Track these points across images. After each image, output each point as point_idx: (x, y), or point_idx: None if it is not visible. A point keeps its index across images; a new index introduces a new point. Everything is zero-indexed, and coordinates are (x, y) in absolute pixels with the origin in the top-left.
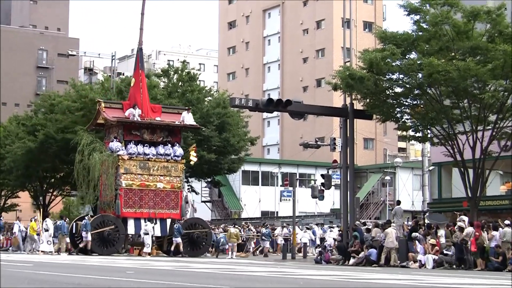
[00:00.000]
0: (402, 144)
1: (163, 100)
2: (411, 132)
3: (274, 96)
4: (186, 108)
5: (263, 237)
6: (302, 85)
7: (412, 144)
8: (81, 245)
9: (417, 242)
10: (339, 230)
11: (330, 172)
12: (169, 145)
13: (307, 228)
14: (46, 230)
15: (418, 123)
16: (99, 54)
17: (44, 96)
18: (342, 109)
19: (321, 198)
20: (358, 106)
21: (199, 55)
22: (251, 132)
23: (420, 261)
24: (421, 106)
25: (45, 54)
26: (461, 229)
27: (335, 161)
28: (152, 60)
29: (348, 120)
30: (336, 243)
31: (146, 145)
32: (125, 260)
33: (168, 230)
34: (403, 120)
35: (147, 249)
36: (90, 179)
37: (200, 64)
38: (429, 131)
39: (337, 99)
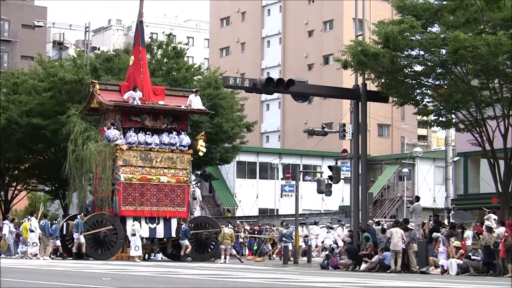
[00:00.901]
0: (422, 131)
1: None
2: (433, 117)
3: (275, 75)
4: (194, 90)
5: (284, 239)
6: (307, 62)
7: (434, 131)
8: (73, 249)
9: (439, 244)
10: (349, 231)
11: (339, 163)
12: (174, 133)
13: (329, 228)
14: (32, 231)
15: (441, 107)
16: (70, 26)
17: (6, 74)
18: (353, 90)
19: (328, 193)
20: (372, 86)
21: (187, 27)
22: (248, 116)
23: (442, 266)
24: (445, 87)
25: (7, 25)
26: (490, 230)
27: (344, 150)
28: (132, 32)
29: (360, 103)
30: (345, 245)
31: (147, 133)
32: (106, 265)
33: (173, 232)
34: (423, 103)
35: (135, 252)
36: (85, 172)
37: (188, 37)
38: (453, 115)
39: (348, 79)
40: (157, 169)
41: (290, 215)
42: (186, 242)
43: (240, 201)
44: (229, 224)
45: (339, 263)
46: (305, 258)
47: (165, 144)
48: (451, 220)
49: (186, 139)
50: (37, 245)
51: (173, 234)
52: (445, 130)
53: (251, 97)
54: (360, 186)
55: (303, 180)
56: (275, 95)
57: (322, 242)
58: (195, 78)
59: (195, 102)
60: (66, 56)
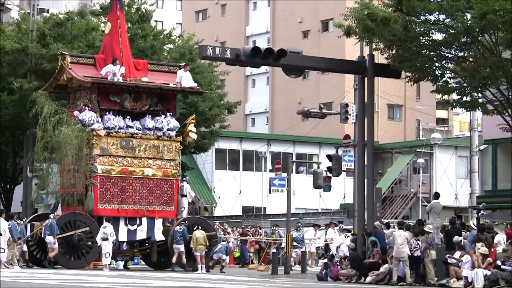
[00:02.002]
0: (442, 113)
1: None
2: (455, 96)
3: (262, 43)
4: (182, 64)
5: (295, 243)
6: (302, 28)
7: (457, 113)
8: (50, 255)
9: (461, 250)
10: (352, 234)
11: (340, 152)
12: (160, 115)
13: (347, 231)
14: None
15: (465, 84)
16: None
17: None
18: (358, 62)
19: (327, 188)
20: (381, 59)
21: None
22: (229, 95)
23: (466, 278)
24: (470, 59)
25: None
26: None
27: (347, 136)
28: None
29: (366, 78)
30: (347, 252)
31: (127, 116)
32: (60, 274)
33: (156, 234)
34: (444, 79)
35: (106, 260)
36: (58, 162)
37: None
38: (480, 94)
39: (351, 49)
40: (140, 159)
41: (280, 214)
42: (182, 247)
43: (219, 197)
44: (199, 227)
45: (340, 273)
46: (299, 267)
47: (149, 129)
48: (481, 221)
49: (173, 122)
50: (4, 251)
51: (157, 237)
52: (470, 112)
53: (233, 71)
54: (365, 180)
55: (297, 172)
56: (263, 68)
57: (338, 247)
58: (165, 47)
59: (186, 79)
60: (7, 19)
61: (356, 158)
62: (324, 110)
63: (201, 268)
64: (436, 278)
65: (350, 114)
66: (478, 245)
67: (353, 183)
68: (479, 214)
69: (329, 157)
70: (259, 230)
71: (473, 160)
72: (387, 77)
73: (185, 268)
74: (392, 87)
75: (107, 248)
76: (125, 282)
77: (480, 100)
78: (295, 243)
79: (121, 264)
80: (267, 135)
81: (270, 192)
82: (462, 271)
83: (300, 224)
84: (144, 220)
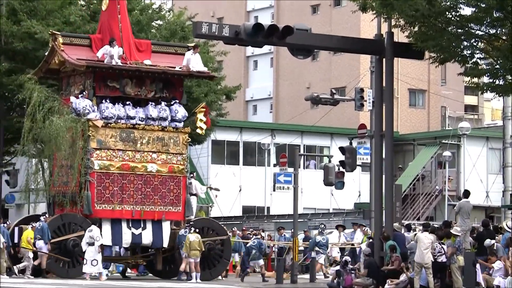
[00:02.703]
0: (471, 100)
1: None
2: (485, 80)
3: (265, 20)
4: (191, 46)
5: (317, 248)
6: (310, 3)
7: (488, 99)
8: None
9: (493, 255)
10: (368, 238)
11: (355, 144)
12: (163, 103)
13: (322, 229)
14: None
15: (497, 65)
16: None
17: None
18: (374, 41)
19: (340, 185)
20: (401, 37)
21: None
22: (228, 78)
23: (498, 287)
24: (503, 37)
25: None
26: None
27: (362, 126)
28: None
29: (384, 59)
30: (364, 258)
31: (128, 103)
32: (49, 285)
33: (165, 239)
34: (473, 60)
35: (91, 268)
36: (47, 157)
37: None
38: None
39: (367, 26)
40: (143, 153)
41: (286, 215)
42: None
43: (216, 196)
44: (192, 229)
45: (355, 282)
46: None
47: (153, 119)
48: None
49: (181, 111)
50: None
51: (165, 243)
52: (503, 97)
53: (232, 51)
54: (384, 176)
55: (305, 167)
56: (266, 48)
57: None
58: (153, 23)
59: (194, 61)
60: None
61: (373, 151)
62: (336, 96)
63: (196, 277)
64: (464, 287)
65: (365, 101)
66: None
67: (370, 179)
68: None
69: (342, 149)
70: (262, 233)
71: (506, 153)
72: (409, 58)
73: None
74: (414, 70)
75: (93, 254)
76: None
77: None
78: (317, 248)
79: (105, 272)
80: (271, 125)
81: (274, 190)
82: (494, 279)
83: (324, 226)
84: (148, 223)
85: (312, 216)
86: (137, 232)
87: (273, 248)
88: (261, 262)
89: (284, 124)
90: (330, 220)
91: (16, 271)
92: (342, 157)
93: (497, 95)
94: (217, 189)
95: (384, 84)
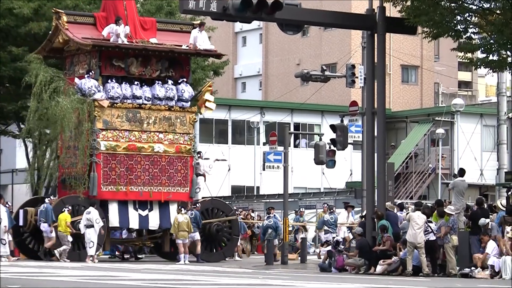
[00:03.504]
0: (464, 76)
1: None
2: (479, 55)
3: None
4: (196, 23)
5: (326, 227)
6: None
7: (482, 75)
8: (46, 245)
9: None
10: (360, 217)
11: (346, 121)
12: (170, 82)
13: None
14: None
15: (491, 40)
16: None
17: None
18: (366, 16)
19: (331, 164)
20: (393, 12)
21: None
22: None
23: (492, 266)
24: (497, 12)
25: None
26: None
27: (354, 103)
28: None
29: (376, 35)
30: (354, 239)
31: (136, 83)
32: (35, 267)
33: (172, 221)
34: (467, 35)
35: (90, 251)
36: (53, 138)
37: None
38: (509, 52)
39: (358, 1)
40: (149, 133)
41: (276, 195)
42: (197, 235)
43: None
44: (182, 209)
45: (346, 263)
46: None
47: (159, 99)
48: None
49: (188, 91)
50: (6, 242)
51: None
52: (497, 73)
53: (220, 26)
54: (376, 154)
55: (295, 145)
56: (255, 24)
57: None
58: None
59: (201, 40)
60: None
61: (365, 129)
62: (327, 73)
63: (184, 258)
64: (458, 268)
65: (357, 77)
66: (508, 228)
67: (361, 157)
68: (509, 193)
69: (333, 127)
70: (252, 214)
71: (501, 130)
72: (401, 34)
73: (197, 259)
74: (407, 45)
75: (91, 236)
76: (93, 275)
77: (509, 60)
78: (326, 228)
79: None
80: (260, 102)
81: (264, 169)
82: (487, 260)
83: (333, 206)
84: (155, 205)
85: (303, 196)
86: (144, 213)
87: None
88: (276, 242)
89: (273, 101)
90: (321, 200)
91: (57, 254)
92: (333, 135)
93: (491, 70)
94: (224, 160)
95: (376, 60)
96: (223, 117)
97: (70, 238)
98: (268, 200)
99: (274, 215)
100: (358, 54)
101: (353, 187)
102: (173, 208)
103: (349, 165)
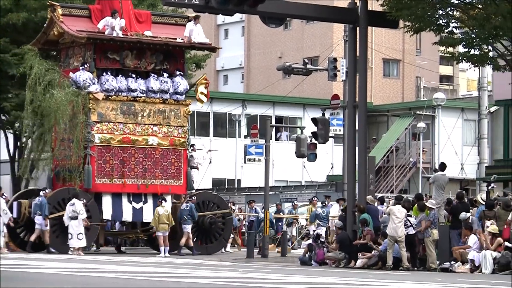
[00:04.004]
0: (446, 70)
1: None
2: (461, 49)
3: None
4: (191, 16)
5: (318, 221)
6: None
7: (463, 69)
8: (32, 238)
9: (468, 229)
10: (341, 210)
11: (328, 115)
12: (166, 75)
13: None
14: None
15: (473, 35)
16: None
17: None
18: (348, 10)
19: (312, 157)
20: (375, 5)
21: None
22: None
23: (472, 261)
24: (479, 6)
25: None
26: None
27: (335, 96)
28: None
29: (358, 28)
30: (335, 232)
31: (131, 75)
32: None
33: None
34: (448, 29)
35: (76, 243)
36: (47, 131)
37: None
38: (490, 47)
39: None
40: (144, 126)
41: (257, 188)
42: (189, 228)
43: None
44: (163, 202)
45: (327, 256)
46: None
47: (154, 92)
48: (494, 196)
49: (183, 84)
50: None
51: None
52: (478, 68)
53: (202, 19)
54: (357, 148)
55: (276, 138)
56: (237, 16)
57: None
58: None
59: (196, 33)
60: None
61: (346, 122)
62: (308, 66)
63: (164, 251)
64: (438, 262)
65: (339, 71)
66: (488, 223)
67: (343, 151)
68: (489, 187)
69: (314, 120)
70: (232, 207)
71: (482, 124)
72: (383, 27)
73: (193, 251)
74: (389, 39)
75: (78, 228)
76: (72, 267)
77: (490, 54)
78: (318, 221)
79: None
80: (242, 95)
81: (245, 162)
82: (468, 254)
83: (324, 199)
84: (149, 197)
85: (284, 189)
86: (138, 206)
87: (243, 221)
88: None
89: (255, 94)
90: (302, 193)
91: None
92: (315, 129)
93: (473, 65)
94: (215, 150)
95: (357, 54)
96: (204, 110)
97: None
98: (249, 193)
99: (256, 207)
100: (340, 48)
101: (334, 180)
102: (167, 200)
103: (330, 159)
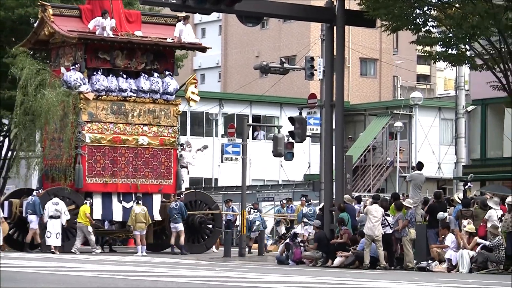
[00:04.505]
0: (423, 69)
1: None
2: (438, 48)
3: None
4: (182, 15)
5: (306, 220)
6: None
7: (440, 69)
8: (27, 239)
9: (445, 228)
10: (319, 209)
11: (305, 114)
12: (156, 75)
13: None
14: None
15: (450, 34)
16: None
17: None
18: (325, 9)
19: (289, 156)
20: (353, 5)
21: None
22: None
23: (449, 260)
24: (456, 5)
25: None
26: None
27: (312, 95)
28: None
29: (335, 28)
30: (312, 232)
31: (123, 75)
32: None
33: (155, 213)
34: (426, 28)
35: (53, 241)
36: (37, 130)
37: None
38: (468, 46)
39: None
40: (134, 126)
41: (234, 187)
42: (180, 226)
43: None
44: (139, 201)
45: (304, 255)
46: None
47: (144, 92)
48: (473, 194)
49: (173, 84)
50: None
51: (156, 217)
52: (456, 67)
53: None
54: (334, 147)
55: (253, 138)
56: (214, 15)
57: None
58: None
59: (186, 33)
60: None
61: (323, 121)
62: (286, 65)
63: (141, 250)
64: (415, 261)
65: (316, 70)
66: (465, 222)
67: (320, 150)
68: (466, 186)
69: (291, 119)
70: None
71: (459, 124)
72: (360, 26)
73: (181, 250)
74: (366, 38)
75: (56, 227)
76: (47, 266)
77: (467, 53)
78: (305, 220)
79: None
80: (219, 94)
81: (222, 161)
82: (445, 253)
83: (310, 199)
84: (140, 197)
85: (261, 188)
86: (128, 206)
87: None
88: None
89: (232, 93)
90: (279, 192)
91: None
92: (292, 128)
93: (450, 64)
94: (205, 147)
95: (335, 53)
96: (181, 109)
97: (90, 229)
98: (226, 192)
99: (232, 206)
100: (317, 47)
101: (311, 179)
102: (156, 200)
103: (307, 158)
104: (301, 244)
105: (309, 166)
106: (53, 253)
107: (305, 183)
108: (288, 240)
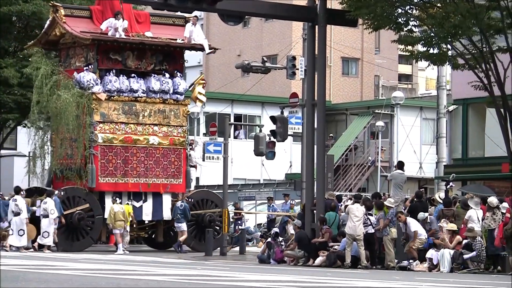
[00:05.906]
0: (405, 69)
1: None
2: (420, 48)
3: None
4: (191, 16)
5: (292, 218)
6: None
7: (422, 68)
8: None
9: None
10: (301, 209)
11: (286, 113)
12: (167, 75)
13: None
14: (17, 214)
15: (432, 33)
16: None
17: None
18: (307, 8)
19: (271, 156)
20: (335, 4)
21: None
22: None
23: (430, 260)
24: (438, 5)
25: None
26: (492, 209)
27: (294, 95)
28: None
29: (317, 27)
30: (293, 231)
31: (132, 75)
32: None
33: (165, 212)
34: (407, 27)
35: (45, 240)
36: (54, 131)
37: None
38: (449, 46)
39: None
40: (144, 126)
41: (216, 186)
42: (184, 226)
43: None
44: (117, 199)
45: (285, 254)
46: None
47: (154, 92)
48: (454, 194)
49: (182, 84)
50: (24, 233)
51: (166, 216)
52: (437, 66)
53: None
54: (315, 146)
55: (235, 137)
56: (196, 14)
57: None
58: None
59: (196, 34)
60: None
61: (305, 121)
62: (267, 64)
63: (120, 248)
64: (396, 260)
65: (297, 69)
66: (443, 223)
67: (301, 149)
68: (448, 186)
69: (273, 119)
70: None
71: (440, 123)
72: (342, 26)
73: (181, 248)
74: (347, 38)
75: (46, 226)
76: (28, 264)
77: (449, 53)
78: (291, 218)
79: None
80: None
81: (203, 160)
82: (426, 253)
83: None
84: (149, 196)
85: (242, 187)
86: (138, 205)
87: None
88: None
89: (214, 92)
90: (260, 191)
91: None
92: (273, 127)
93: (432, 64)
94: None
95: (316, 52)
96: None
97: (128, 228)
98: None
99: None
100: (299, 46)
101: (292, 178)
102: (166, 199)
103: (289, 157)
104: (282, 243)
105: (290, 165)
106: (44, 251)
107: (287, 182)
108: (269, 239)
